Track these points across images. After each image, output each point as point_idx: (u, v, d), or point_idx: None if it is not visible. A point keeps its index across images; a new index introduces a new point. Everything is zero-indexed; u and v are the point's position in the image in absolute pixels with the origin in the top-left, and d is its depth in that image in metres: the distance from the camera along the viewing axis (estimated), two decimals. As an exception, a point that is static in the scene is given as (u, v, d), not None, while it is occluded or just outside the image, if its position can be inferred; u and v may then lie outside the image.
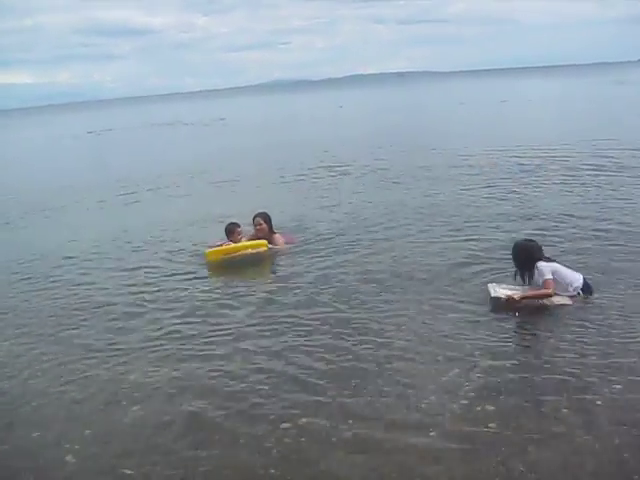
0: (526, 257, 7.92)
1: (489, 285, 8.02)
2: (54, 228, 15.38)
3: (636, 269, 8.62)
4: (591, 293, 7.78)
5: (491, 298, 7.76)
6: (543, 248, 8.11)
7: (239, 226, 10.86)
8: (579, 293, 7.72)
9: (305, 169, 20.50)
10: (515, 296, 7.62)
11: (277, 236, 10.96)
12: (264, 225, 10.92)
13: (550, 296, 7.66)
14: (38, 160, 34.32)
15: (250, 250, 10.43)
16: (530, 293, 7.75)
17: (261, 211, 11.22)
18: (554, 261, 7.97)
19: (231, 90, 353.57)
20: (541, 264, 7.78)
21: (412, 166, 19.64)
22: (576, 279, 7.80)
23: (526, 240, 8.39)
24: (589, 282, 7.86)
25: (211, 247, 10.57)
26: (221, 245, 10.54)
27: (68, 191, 20.57)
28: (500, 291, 7.82)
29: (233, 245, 10.49)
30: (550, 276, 7.67)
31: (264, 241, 10.60)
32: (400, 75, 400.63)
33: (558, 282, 7.74)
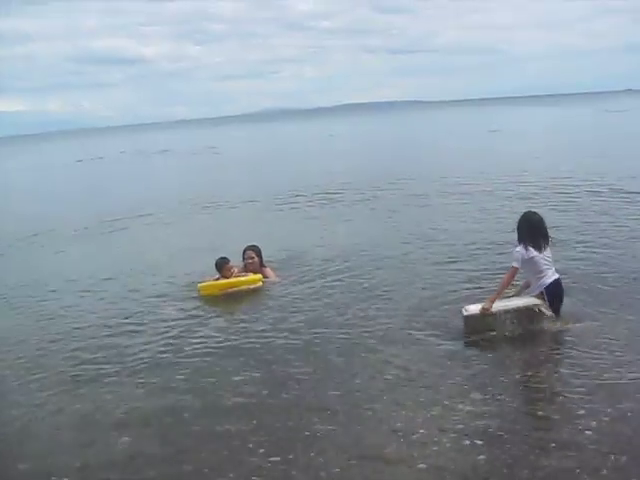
0: (528, 228, 7.89)
1: (462, 309, 8.00)
2: (34, 258, 15.27)
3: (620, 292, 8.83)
4: (560, 298, 7.86)
5: (464, 317, 7.80)
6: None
7: (229, 261, 10.61)
8: (542, 292, 7.78)
9: (296, 198, 20.58)
10: (485, 305, 7.67)
11: (268, 270, 10.84)
12: (256, 259, 10.79)
13: (505, 284, 7.83)
14: (23, 188, 34.19)
15: (245, 286, 10.28)
16: (494, 294, 7.83)
17: (252, 244, 11.06)
18: (540, 248, 7.84)
19: (222, 119, 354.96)
20: (516, 250, 7.86)
21: (402, 195, 19.86)
22: (547, 276, 7.81)
23: (532, 213, 8.27)
24: (562, 285, 7.91)
25: (205, 282, 10.37)
26: (216, 280, 10.40)
27: (48, 219, 20.54)
28: (471, 308, 7.86)
29: (227, 281, 10.33)
30: (516, 264, 7.76)
31: (259, 276, 10.45)
32: (390, 104, 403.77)
33: (528, 271, 7.89)
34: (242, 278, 10.40)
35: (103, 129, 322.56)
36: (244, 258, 10.85)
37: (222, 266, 10.49)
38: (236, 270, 10.68)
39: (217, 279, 10.42)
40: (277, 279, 10.71)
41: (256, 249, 10.91)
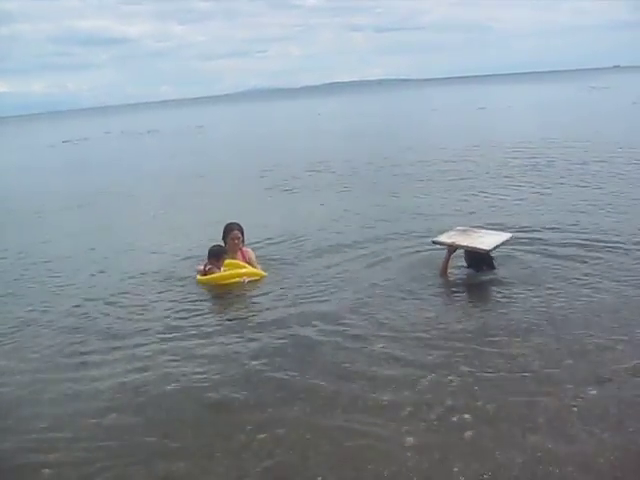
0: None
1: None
2: (24, 233, 15.24)
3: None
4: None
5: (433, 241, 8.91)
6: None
7: (227, 253, 9.99)
8: None
9: (283, 177, 20.53)
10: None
11: (249, 251, 10.37)
12: (241, 238, 10.22)
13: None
14: (11, 168, 33.90)
15: (248, 278, 9.74)
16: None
17: (235, 222, 10.38)
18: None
19: (209, 98, 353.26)
20: None
21: (389, 173, 19.94)
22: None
23: None
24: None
25: (208, 270, 9.85)
26: (206, 268, 9.88)
27: (39, 198, 20.48)
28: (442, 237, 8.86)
29: (235, 272, 9.78)
30: None
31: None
32: (378, 83, 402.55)
33: None
34: (247, 270, 9.87)
35: (88, 110, 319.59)
36: (226, 236, 10.20)
37: (220, 256, 9.93)
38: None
39: (208, 268, 9.87)
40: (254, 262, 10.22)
41: (240, 228, 10.28)
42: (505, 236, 8.70)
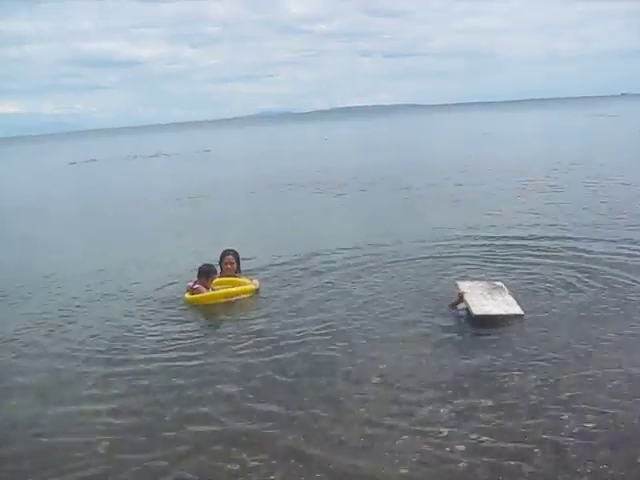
0: None
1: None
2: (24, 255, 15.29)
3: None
4: None
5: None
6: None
7: (216, 273, 10.15)
8: None
9: (285, 200, 20.65)
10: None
11: (243, 278, 10.49)
12: (235, 264, 10.49)
13: None
14: (12, 190, 34.10)
15: (238, 296, 9.85)
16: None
17: (231, 248, 10.70)
18: None
19: (218, 122, 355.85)
20: None
21: (392, 195, 20.03)
22: None
23: None
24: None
25: (194, 290, 9.86)
26: (193, 287, 9.87)
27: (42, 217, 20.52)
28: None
29: (223, 291, 9.90)
30: None
31: (252, 286, 10.04)
32: (386, 108, 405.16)
33: None
34: (237, 289, 9.97)
35: (98, 131, 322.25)
36: (222, 262, 10.52)
37: (209, 275, 10.02)
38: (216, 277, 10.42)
39: (194, 286, 9.85)
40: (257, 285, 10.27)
41: (235, 254, 10.57)
42: (513, 310, 8.27)
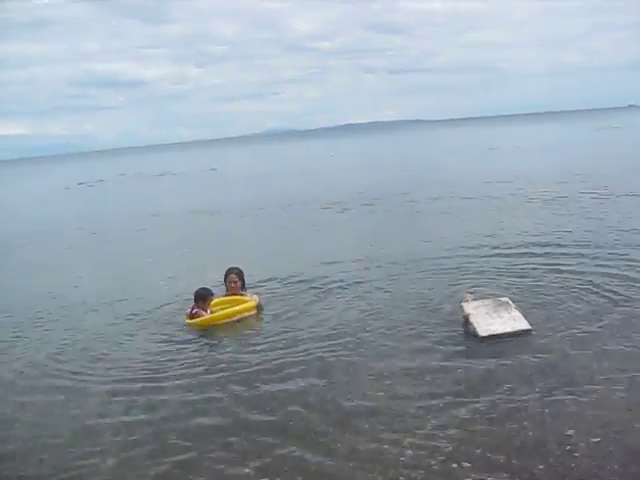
0: None
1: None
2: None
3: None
4: None
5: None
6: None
7: (212, 294, 10.15)
8: None
9: (292, 217, 20.68)
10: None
11: (248, 294, 10.52)
12: (238, 282, 10.55)
13: None
14: (22, 212, 34.23)
15: (240, 315, 9.84)
16: None
17: (235, 266, 10.78)
18: None
19: (224, 140, 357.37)
20: None
21: (398, 210, 20.04)
22: None
23: None
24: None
25: (194, 314, 9.85)
26: (192, 312, 9.86)
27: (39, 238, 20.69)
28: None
29: (223, 312, 9.89)
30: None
31: (252, 304, 10.04)
32: (392, 124, 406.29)
33: None
34: (235, 308, 9.95)
35: (105, 152, 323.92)
36: (225, 280, 10.62)
37: (206, 298, 10.02)
38: (220, 295, 10.50)
39: (192, 311, 9.86)
40: (261, 304, 10.28)
41: (239, 272, 10.66)
42: (520, 326, 8.23)
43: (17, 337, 10.27)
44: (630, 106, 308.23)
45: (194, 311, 9.85)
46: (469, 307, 8.63)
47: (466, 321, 8.47)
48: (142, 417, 6.88)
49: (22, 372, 8.61)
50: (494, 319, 8.30)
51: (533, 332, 8.13)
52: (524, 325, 8.20)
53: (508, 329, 8.12)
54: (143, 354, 8.82)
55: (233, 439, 6.15)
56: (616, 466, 5.15)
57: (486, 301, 8.82)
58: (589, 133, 67.93)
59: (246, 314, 9.90)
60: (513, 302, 8.80)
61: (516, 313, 8.46)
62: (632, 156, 32.91)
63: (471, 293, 9.27)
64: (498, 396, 6.55)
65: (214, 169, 56.08)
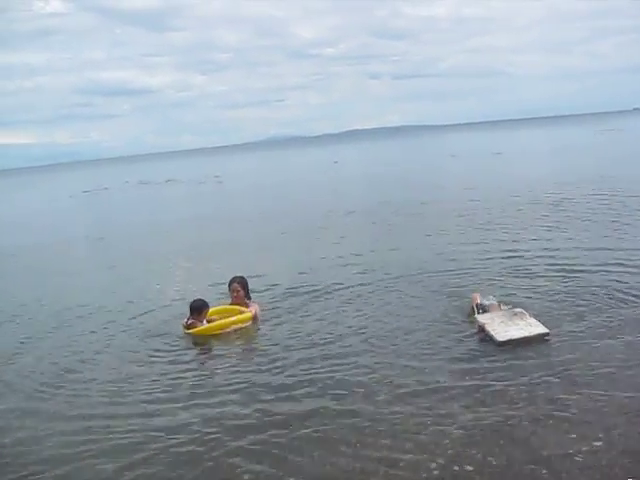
0: None
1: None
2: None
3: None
4: None
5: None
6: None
7: (208, 307, 10.06)
8: None
9: (293, 226, 20.67)
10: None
11: (251, 303, 10.47)
12: (241, 292, 10.47)
13: None
14: (24, 221, 34.27)
15: (236, 326, 9.78)
16: None
17: (238, 275, 10.72)
18: None
19: (229, 147, 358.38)
20: None
21: (405, 216, 20.01)
22: None
23: None
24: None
25: (189, 325, 9.78)
26: (188, 322, 9.80)
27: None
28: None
29: (218, 323, 9.83)
30: None
31: (249, 314, 9.99)
32: (396, 130, 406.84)
33: None
34: (232, 319, 9.90)
35: (111, 159, 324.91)
36: (229, 289, 10.57)
37: (201, 310, 9.97)
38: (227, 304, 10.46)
39: (188, 322, 9.81)
40: (260, 313, 10.25)
41: (242, 281, 10.58)
42: (537, 330, 8.14)
43: (22, 344, 10.24)
44: (635, 109, 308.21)
45: (189, 322, 9.83)
46: (484, 318, 8.56)
47: (481, 330, 8.39)
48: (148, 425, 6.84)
49: (21, 379, 8.57)
50: (510, 326, 8.24)
51: (550, 336, 8.03)
52: (541, 329, 8.14)
53: (525, 334, 8.04)
54: (138, 366, 8.71)
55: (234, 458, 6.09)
56: (619, 473, 5.10)
57: (500, 312, 8.74)
58: (594, 135, 67.94)
59: (241, 325, 9.82)
60: (527, 310, 8.72)
61: (532, 320, 8.40)
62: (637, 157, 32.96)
63: (477, 293, 9.32)
64: (512, 403, 6.44)
65: (217, 176, 56.09)
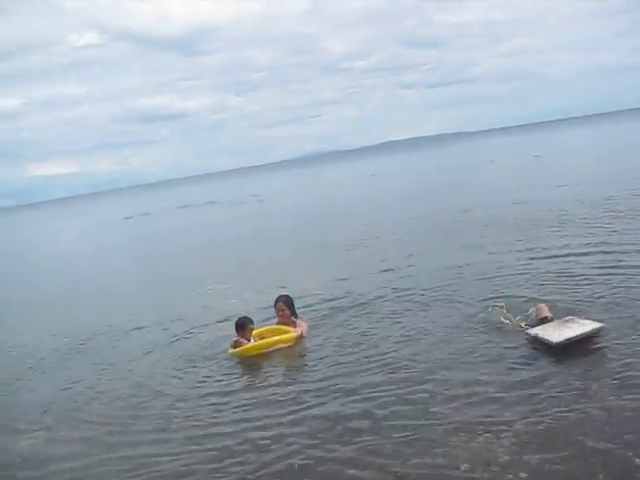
0: None
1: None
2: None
3: None
4: None
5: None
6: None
7: (252, 323, 10.13)
8: None
9: (336, 242, 20.62)
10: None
11: (298, 322, 10.44)
12: (286, 310, 10.44)
13: None
14: (66, 248, 34.97)
15: (280, 345, 9.79)
16: None
17: (284, 294, 10.73)
18: None
19: (266, 166, 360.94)
20: None
21: (447, 225, 19.89)
22: None
23: None
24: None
25: (235, 345, 9.84)
26: (238, 341, 9.86)
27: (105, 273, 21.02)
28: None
29: (264, 341, 9.87)
30: None
31: (293, 334, 9.98)
32: (433, 138, 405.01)
33: None
34: (276, 338, 9.91)
35: (151, 185, 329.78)
36: (275, 307, 10.57)
37: (245, 327, 10.03)
38: (274, 323, 10.50)
39: (235, 340, 9.88)
40: (308, 332, 10.23)
41: (287, 300, 10.54)
42: (593, 325, 8.06)
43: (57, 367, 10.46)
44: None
45: (235, 339, 9.90)
46: (535, 330, 8.38)
47: (533, 339, 8.22)
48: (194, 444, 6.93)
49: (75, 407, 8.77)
50: (563, 330, 8.09)
51: (605, 331, 7.92)
52: (596, 324, 8.01)
53: (580, 331, 7.91)
54: (187, 387, 8.85)
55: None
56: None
57: (551, 323, 8.52)
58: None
59: (285, 344, 9.82)
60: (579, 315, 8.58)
61: (585, 321, 8.25)
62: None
63: (502, 307, 9.26)
64: (565, 410, 6.33)
65: (256, 195, 56.47)
